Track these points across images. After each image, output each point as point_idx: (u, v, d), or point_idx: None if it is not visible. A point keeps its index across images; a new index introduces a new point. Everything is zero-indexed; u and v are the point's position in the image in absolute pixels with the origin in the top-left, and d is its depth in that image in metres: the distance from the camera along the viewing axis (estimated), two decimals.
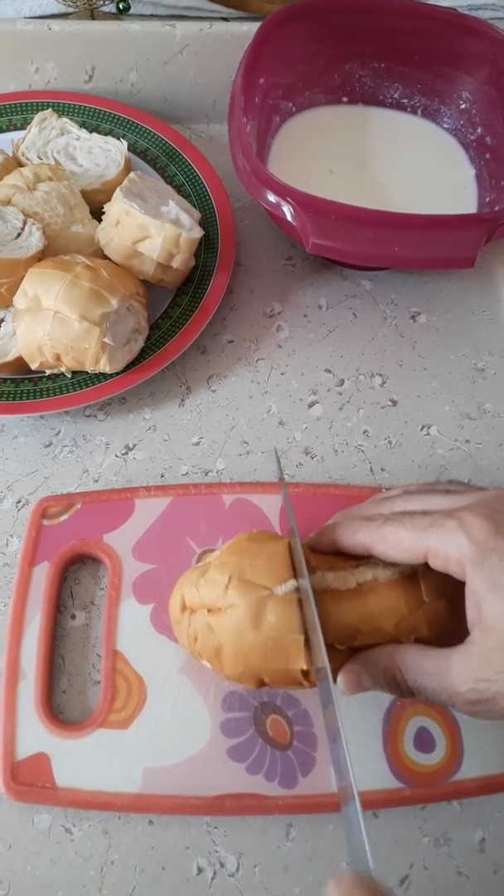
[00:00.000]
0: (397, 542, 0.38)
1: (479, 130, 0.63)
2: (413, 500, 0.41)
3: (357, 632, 0.39)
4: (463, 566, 0.36)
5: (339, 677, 0.40)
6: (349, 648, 0.40)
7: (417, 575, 0.40)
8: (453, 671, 0.37)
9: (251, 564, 0.40)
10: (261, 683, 0.40)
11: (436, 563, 0.37)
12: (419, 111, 0.66)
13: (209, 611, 0.41)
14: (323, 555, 0.42)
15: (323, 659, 0.37)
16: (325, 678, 0.37)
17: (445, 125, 0.65)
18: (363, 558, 0.41)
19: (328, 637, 0.40)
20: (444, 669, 0.37)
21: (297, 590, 0.40)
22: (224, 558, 0.42)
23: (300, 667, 0.39)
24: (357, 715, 0.45)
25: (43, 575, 0.48)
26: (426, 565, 0.39)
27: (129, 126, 0.66)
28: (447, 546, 0.37)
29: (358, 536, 0.40)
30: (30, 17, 0.66)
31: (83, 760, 0.43)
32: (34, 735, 0.44)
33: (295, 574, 0.40)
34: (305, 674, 0.39)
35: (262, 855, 0.43)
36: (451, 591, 0.40)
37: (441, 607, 0.40)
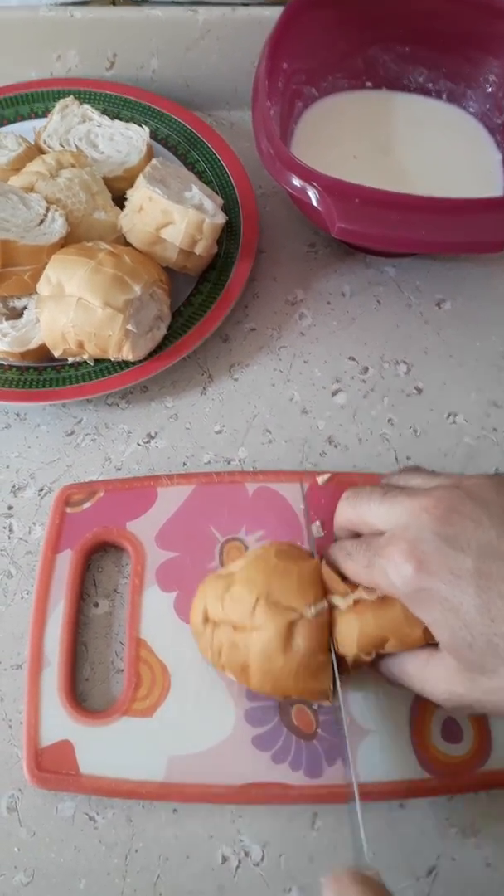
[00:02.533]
0: (354, 575, 0.40)
1: None
2: (358, 505, 0.41)
3: (385, 639, 0.39)
4: (405, 601, 0.37)
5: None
6: (378, 656, 0.40)
7: None
8: (431, 679, 0.38)
9: (280, 585, 0.40)
10: (287, 698, 0.41)
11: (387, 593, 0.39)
12: (444, 95, 0.65)
13: (234, 627, 0.40)
14: None
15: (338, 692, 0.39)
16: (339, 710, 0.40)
17: (471, 109, 0.64)
18: None
19: (356, 649, 0.39)
20: (425, 676, 0.38)
21: (326, 610, 0.40)
22: (250, 574, 0.41)
23: (329, 686, 0.40)
24: (384, 705, 0.44)
25: (66, 562, 0.48)
26: None
27: (150, 113, 0.66)
28: (385, 584, 0.38)
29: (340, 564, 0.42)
30: (52, 4, 0.66)
31: (107, 748, 0.43)
32: (58, 722, 0.44)
33: (325, 593, 0.41)
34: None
35: (287, 844, 0.43)
36: None
37: None
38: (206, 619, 0.42)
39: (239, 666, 0.40)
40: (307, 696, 0.40)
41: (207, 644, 0.42)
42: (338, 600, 0.40)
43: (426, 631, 0.38)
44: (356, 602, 0.40)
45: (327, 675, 0.40)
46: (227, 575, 0.42)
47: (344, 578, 0.41)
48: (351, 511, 0.41)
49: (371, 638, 0.39)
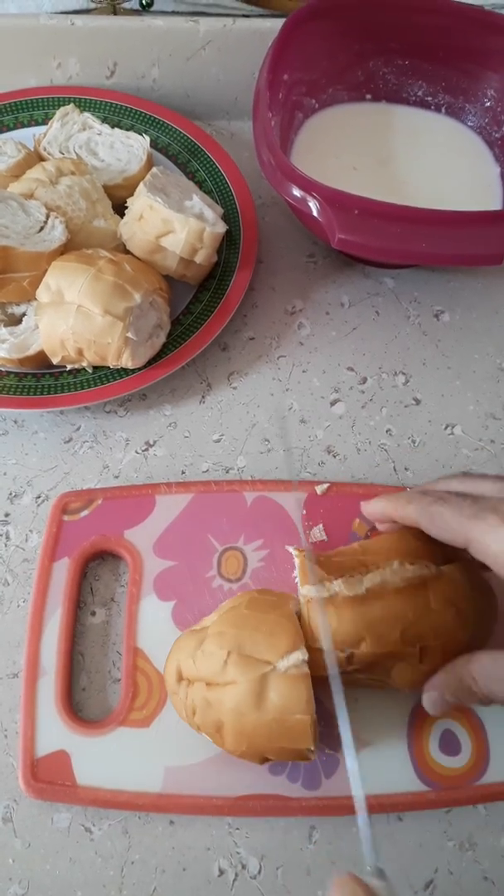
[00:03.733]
0: (444, 522, 0.39)
1: None
2: (468, 482, 0.41)
3: (362, 638, 0.39)
4: (499, 563, 0.36)
5: (424, 701, 0.40)
6: (351, 655, 0.39)
7: (426, 583, 0.40)
8: None
9: (251, 637, 0.39)
10: (264, 760, 0.40)
11: (475, 553, 0.38)
12: (443, 109, 0.65)
13: (207, 684, 0.39)
14: (335, 564, 0.41)
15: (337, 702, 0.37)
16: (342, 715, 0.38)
17: (470, 123, 0.65)
18: (376, 564, 0.41)
19: (332, 642, 0.39)
20: None
21: (302, 663, 0.38)
22: (222, 628, 0.40)
23: (307, 746, 0.38)
24: (382, 718, 0.44)
25: (63, 571, 0.48)
26: (435, 574, 0.40)
27: (150, 122, 0.66)
28: (486, 539, 0.37)
29: (409, 509, 0.40)
30: (52, 13, 0.66)
31: (104, 759, 0.43)
32: (54, 732, 0.43)
33: (301, 642, 0.39)
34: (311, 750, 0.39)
35: (284, 857, 0.42)
36: (460, 600, 0.40)
37: (449, 616, 0.39)
38: (179, 678, 0.41)
39: (213, 725, 0.39)
40: (284, 757, 0.39)
41: (182, 703, 0.41)
42: (314, 590, 0.39)
43: (403, 633, 0.38)
44: (333, 596, 0.39)
45: (305, 736, 0.38)
46: (199, 630, 0.41)
47: (328, 571, 0.40)
48: (458, 485, 0.41)
49: (346, 635, 0.39)
